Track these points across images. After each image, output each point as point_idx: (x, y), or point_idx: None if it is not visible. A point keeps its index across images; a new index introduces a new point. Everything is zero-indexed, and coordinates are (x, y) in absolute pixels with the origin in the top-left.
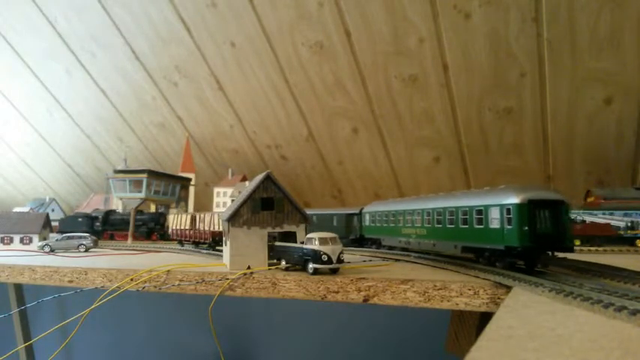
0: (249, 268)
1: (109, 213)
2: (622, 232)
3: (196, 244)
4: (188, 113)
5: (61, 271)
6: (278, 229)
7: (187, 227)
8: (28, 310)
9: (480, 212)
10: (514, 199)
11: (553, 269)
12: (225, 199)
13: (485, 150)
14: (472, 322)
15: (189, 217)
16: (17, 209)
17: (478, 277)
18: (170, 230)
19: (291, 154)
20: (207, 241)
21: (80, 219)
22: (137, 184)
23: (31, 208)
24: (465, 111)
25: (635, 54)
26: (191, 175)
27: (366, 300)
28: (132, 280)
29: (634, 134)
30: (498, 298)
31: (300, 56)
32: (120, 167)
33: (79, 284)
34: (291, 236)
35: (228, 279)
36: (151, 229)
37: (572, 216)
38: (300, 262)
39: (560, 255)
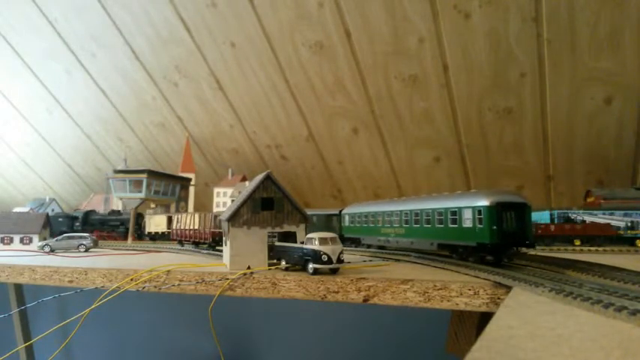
0: (249, 268)
1: (89, 213)
2: (622, 232)
3: (196, 244)
4: (188, 113)
5: (61, 271)
6: (278, 229)
7: (165, 229)
8: (28, 310)
9: (454, 213)
10: (484, 202)
11: (517, 261)
12: (225, 199)
13: (485, 150)
14: (472, 322)
15: (165, 218)
16: (17, 209)
17: (478, 277)
18: (146, 231)
19: (291, 154)
20: (207, 241)
21: (60, 219)
22: (137, 184)
23: (31, 208)
24: (465, 111)
25: (635, 54)
26: (191, 175)
27: (366, 300)
28: (132, 280)
29: (634, 134)
30: (498, 298)
31: (300, 56)
32: (120, 167)
33: (79, 284)
34: (291, 236)
35: (228, 279)
36: (128, 229)
37: (573, 216)
38: (300, 262)
39: (525, 250)
